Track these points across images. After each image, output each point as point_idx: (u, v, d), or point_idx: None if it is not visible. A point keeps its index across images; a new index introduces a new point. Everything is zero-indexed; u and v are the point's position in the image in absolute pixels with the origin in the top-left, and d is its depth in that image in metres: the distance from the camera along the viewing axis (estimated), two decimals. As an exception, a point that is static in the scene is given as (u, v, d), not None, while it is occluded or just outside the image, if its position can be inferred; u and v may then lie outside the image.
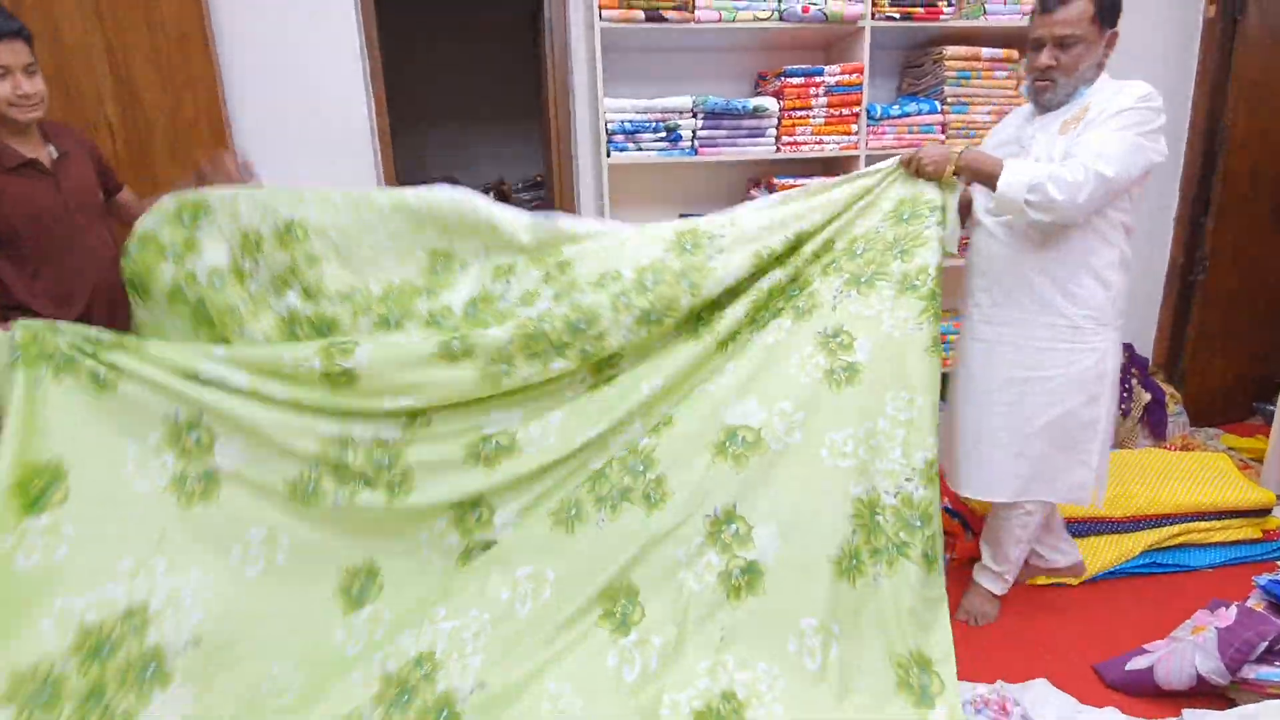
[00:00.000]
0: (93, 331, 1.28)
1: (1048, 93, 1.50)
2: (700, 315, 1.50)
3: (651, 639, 1.35)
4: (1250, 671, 1.44)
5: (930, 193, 1.51)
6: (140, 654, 1.17)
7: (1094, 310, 1.54)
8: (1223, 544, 2.03)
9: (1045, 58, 1.46)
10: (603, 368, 1.48)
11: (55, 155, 1.55)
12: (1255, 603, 1.62)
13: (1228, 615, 1.54)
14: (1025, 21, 2.28)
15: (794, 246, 1.50)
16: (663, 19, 2.12)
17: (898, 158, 1.54)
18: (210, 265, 1.40)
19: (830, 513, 1.38)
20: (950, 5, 2.29)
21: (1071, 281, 1.52)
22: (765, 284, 1.50)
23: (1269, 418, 2.68)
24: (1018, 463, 1.63)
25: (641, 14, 2.11)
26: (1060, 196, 1.38)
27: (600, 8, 2.10)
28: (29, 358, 1.20)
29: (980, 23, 2.29)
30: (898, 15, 2.25)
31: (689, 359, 1.47)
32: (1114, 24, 1.45)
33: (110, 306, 1.59)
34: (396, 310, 1.45)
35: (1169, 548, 1.98)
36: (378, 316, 1.44)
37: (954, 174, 1.49)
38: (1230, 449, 2.62)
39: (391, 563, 1.39)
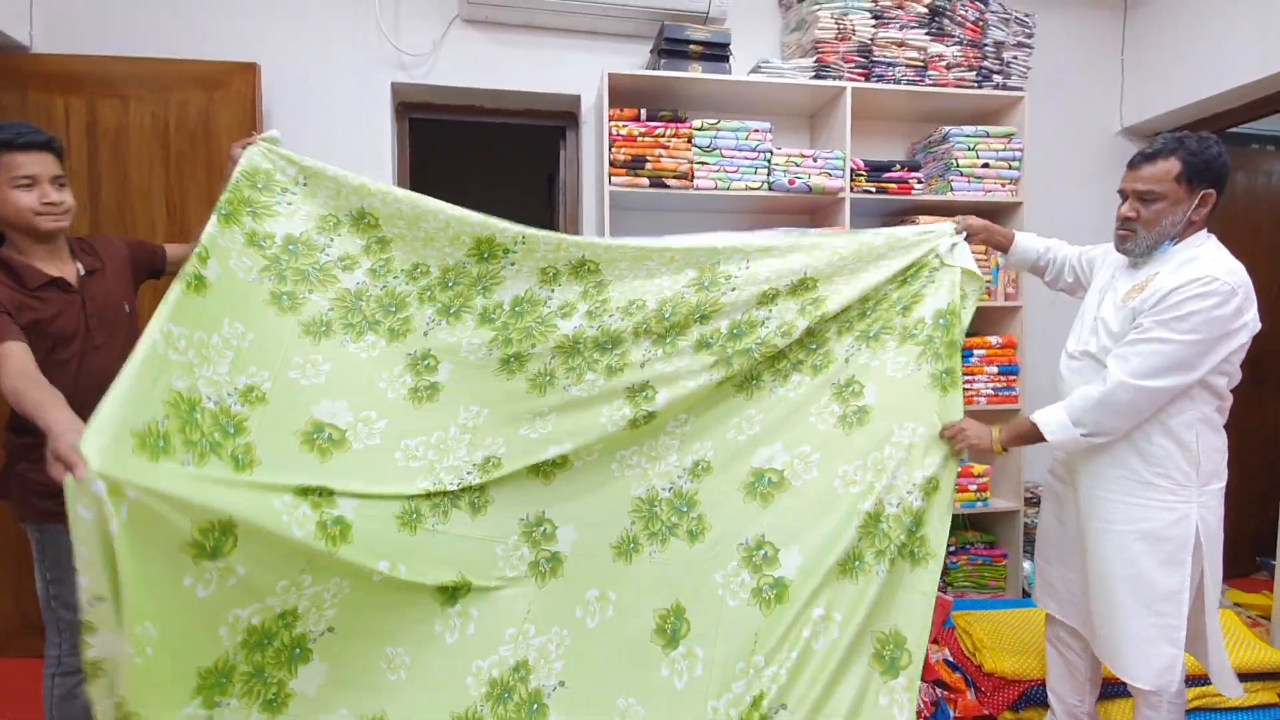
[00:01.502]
0: (224, 402, 1.46)
1: (1128, 241, 1.52)
2: (735, 374, 1.73)
3: (695, 650, 1.63)
4: None
5: (934, 260, 1.74)
6: (290, 641, 1.47)
7: (1169, 469, 1.47)
8: (1239, 708, 1.93)
9: (1126, 209, 1.51)
10: (639, 404, 1.70)
11: (83, 272, 1.57)
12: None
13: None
14: (988, 199, 2.60)
15: (796, 286, 1.74)
16: (665, 186, 2.39)
17: (925, 235, 1.75)
18: (287, 233, 1.63)
19: (842, 529, 1.63)
20: (920, 183, 2.58)
21: (1142, 438, 1.48)
22: (784, 343, 1.73)
23: (1273, 572, 2.64)
24: (1099, 629, 1.55)
25: (646, 181, 2.38)
26: (1101, 415, 1.45)
27: (610, 175, 2.37)
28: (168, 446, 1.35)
29: (948, 197, 2.57)
30: (874, 190, 2.53)
31: (716, 402, 1.75)
32: (1207, 185, 1.45)
33: None
34: (456, 302, 1.73)
35: (1186, 712, 1.88)
36: (440, 305, 1.73)
37: (1002, 449, 1.65)
38: (1237, 604, 2.56)
39: (476, 573, 1.64)
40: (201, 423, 1.40)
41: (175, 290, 1.43)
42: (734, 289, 1.72)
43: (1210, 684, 1.91)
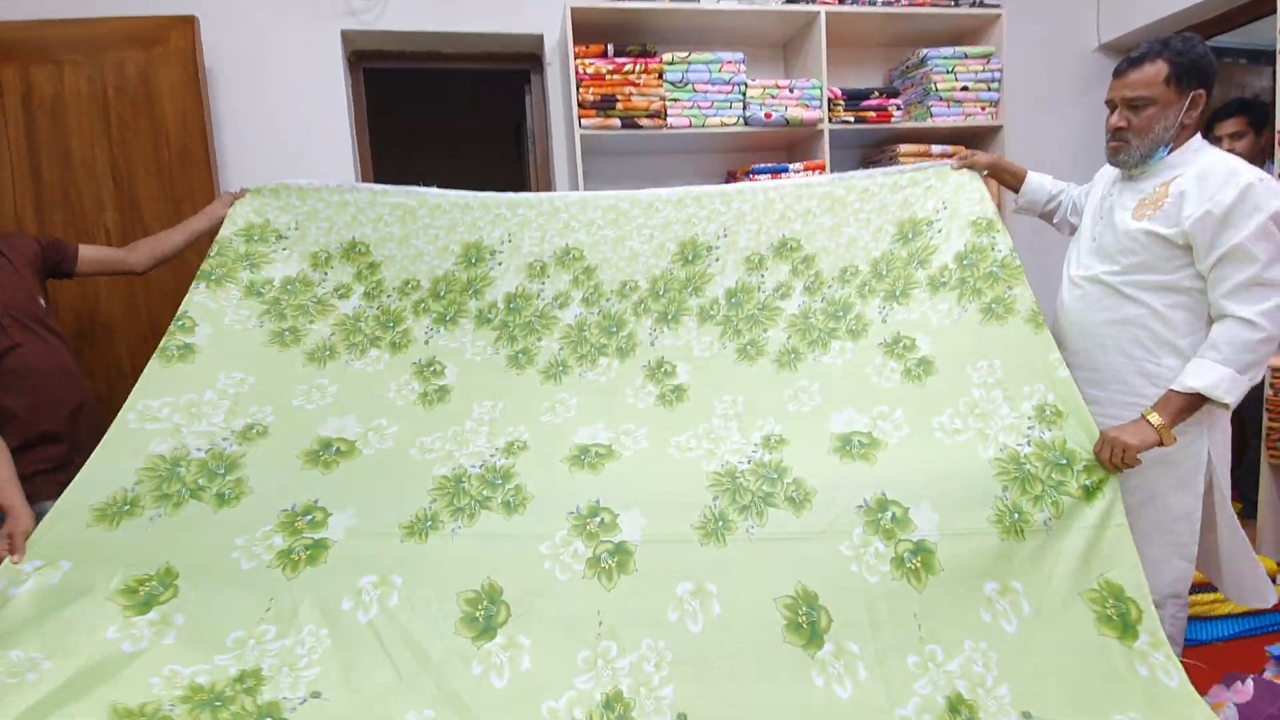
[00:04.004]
0: (218, 447, 1.43)
1: (1122, 153, 1.47)
2: (747, 344, 1.67)
3: (848, 646, 1.27)
4: (1279, 750, 1.36)
5: (925, 210, 1.69)
6: (254, 709, 1.14)
7: None
8: (1228, 616, 1.97)
9: (1116, 119, 1.46)
10: (661, 379, 1.64)
11: None
12: (1272, 675, 1.56)
13: (1245, 690, 1.47)
14: (968, 123, 2.53)
15: (780, 249, 1.73)
16: (638, 126, 2.29)
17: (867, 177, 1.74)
18: (285, 275, 1.68)
19: (974, 478, 1.39)
20: (899, 110, 2.50)
21: (1150, 360, 1.44)
22: (793, 307, 1.69)
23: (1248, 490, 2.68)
24: None
25: (618, 122, 2.28)
26: (1265, 350, 1.34)
27: (579, 118, 2.27)
28: (156, 495, 1.36)
29: (927, 124, 2.50)
30: (852, 119, 2.45)
31: (754, 377, 1.62)
32: (1197, 86, 1.41)
33: (75, 419, 1.57)
34: (451, 310, 1.71)
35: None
36: (435, 314, 1.70)
37: (1172, 436, 1.38)
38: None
39: (514, 582, 1.30)
40: (185, 475, 1.39)
41: (151, 365, 1.49)
42: (718, 259, 1.73)
43: (1198, 592, 1.95)
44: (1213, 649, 1.90)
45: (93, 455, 1.37)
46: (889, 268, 1.66)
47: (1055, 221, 1.79)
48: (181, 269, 2.16)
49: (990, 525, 1.36)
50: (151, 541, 1.30)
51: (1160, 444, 1.38)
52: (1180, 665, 1.30)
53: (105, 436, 1.39)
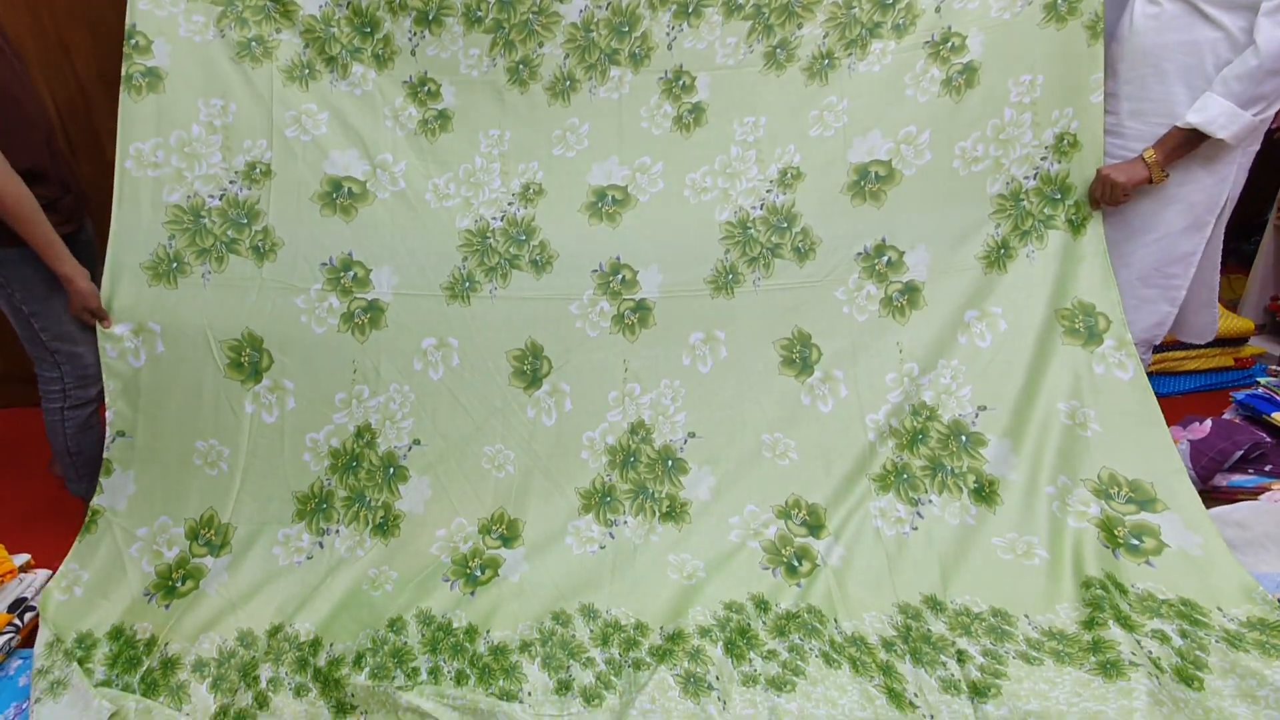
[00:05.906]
0: (229, 192, 1.41)
1: None
2: (777, 45, 1.49)
3: (833, 373, 1.47)
4: (1223, 480, 1.48)
5: None
6: (379, 461, 1.43)
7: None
8: (1195, 372, 2.08)
9: None
10: (679, 96, 1.51)
11: None
12: (1231, 416, 1.66)
13: (1202, 428, 1.57)
14: None
15: None
16: None
17: None
18: None
19: (972, 217, 1.46)
20: None
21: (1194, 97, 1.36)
22: None
23: (1242, 259, 2.69)
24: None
25: None
26: (1266, 85, 1.26)
27: None
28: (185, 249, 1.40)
29: None
30: None
31: (779, 92, 1.49)
32: None
33: (49, 149, 1.38)
34: (432, 4, 1.46)
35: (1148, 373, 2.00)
36: (416, 12, 1.46)
37: (1163, 173, 1.37)
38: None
39: (552, 339, 1.49)
40: (212, 226, 1.40)
41: (124, 101, 1.36)
42: None
43: (1170, 349, 2.03)
44: (1176, 399, 2.02)
45: (113, 214, 1.38)
46: None
47: None
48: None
49: (976, 260, 1.45)
50: (218, 303, 1.39)
51: (1150, 181, 1.38)
52: (1139, 361, 1.38)
53: (115, 192, 1.38)
